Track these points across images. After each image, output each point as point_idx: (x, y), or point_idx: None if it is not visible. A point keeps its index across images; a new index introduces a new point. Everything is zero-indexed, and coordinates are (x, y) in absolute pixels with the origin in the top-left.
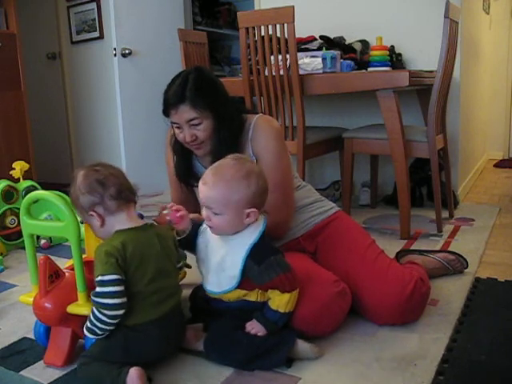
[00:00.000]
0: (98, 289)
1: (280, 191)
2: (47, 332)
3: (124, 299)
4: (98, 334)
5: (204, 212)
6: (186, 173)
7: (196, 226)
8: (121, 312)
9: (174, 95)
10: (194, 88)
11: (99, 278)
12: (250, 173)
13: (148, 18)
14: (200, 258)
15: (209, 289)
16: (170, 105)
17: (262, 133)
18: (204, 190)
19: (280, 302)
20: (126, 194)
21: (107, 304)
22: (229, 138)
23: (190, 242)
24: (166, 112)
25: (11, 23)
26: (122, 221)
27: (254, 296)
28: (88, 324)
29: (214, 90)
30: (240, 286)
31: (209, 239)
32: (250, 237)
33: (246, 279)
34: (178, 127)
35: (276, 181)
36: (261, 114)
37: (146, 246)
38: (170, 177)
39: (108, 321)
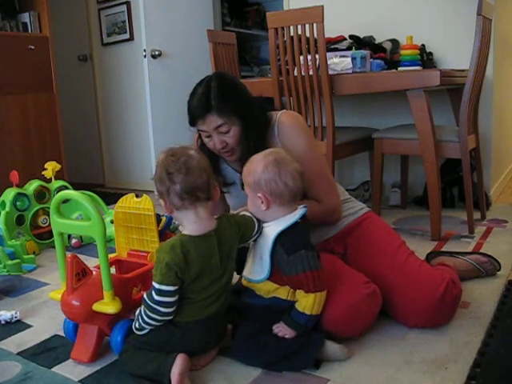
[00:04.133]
0: (154, 296)
1: (322, 179)
2: (76, 328)
3: (175, 308)
4: (145, 329)
5: None
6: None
7: None
8: (170, 318)
9: (199, 105)
10: (218, 96)
11: (157, 286)
12: (261, 160)
13: (177, 19)
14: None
15: (246, 276)
16: (196, 115)
17: (287, 128)
18: None
19: (306, 303)
20: (192, 194)
21: (159, 311)
22: (257, 139)
23: None
24: (193, 122)
25: (44, 26)
26: (189, 219)
27: (284, 293)
28: (136, 325)
29: (237, 94)
30: (271, 277)
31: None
32: (282, 224)
33: (276, 271)
34: (207, 136)
35: (315, 171)
36: (284, 110)
37: (206, 258)
38: None
39: (155, 323)
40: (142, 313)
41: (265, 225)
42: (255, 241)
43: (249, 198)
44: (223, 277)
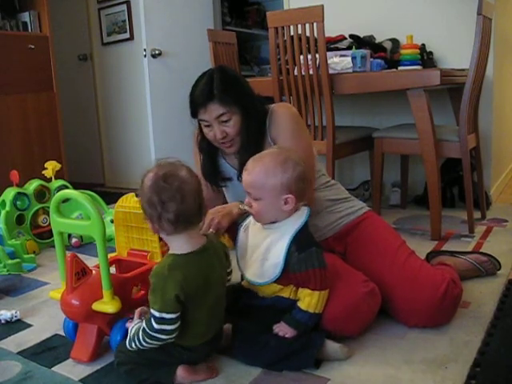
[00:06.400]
0: (155, 324)
1: None
2: (76, 328)
3: (177, 333)
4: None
5: (246, 198)
6: (212, 171)
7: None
8: (170, 341)
9: (202, 95)
10: (220, 85)
11: (158, 314)
12: (286, 159)
13: (177, 18)
14: (240, 254)
15: (251, 279)
16: (198, 104)
17: (277, 117)
18: (244, 176)
19: (310, 302)
20: (185, 221)
21: (161, 339)
22: (256, 130)
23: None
24: (195, 112)
25: (44, 26)
26: (179, 241)
27: (287, 292)
28: (133, 345)
29: (239, 85)
30: (278, 279)
31: (252, 234)
32: (294, 225)
33: (285, 270)
34: (208, 125)
35: None
36: (278, 103)
37: (208, 272)
38: (199, 175)
39: (154, 347)
40: (140, 339)
41: (272, 226)
42: (253, 246)
43: (263, 202)
44: (224, 291)
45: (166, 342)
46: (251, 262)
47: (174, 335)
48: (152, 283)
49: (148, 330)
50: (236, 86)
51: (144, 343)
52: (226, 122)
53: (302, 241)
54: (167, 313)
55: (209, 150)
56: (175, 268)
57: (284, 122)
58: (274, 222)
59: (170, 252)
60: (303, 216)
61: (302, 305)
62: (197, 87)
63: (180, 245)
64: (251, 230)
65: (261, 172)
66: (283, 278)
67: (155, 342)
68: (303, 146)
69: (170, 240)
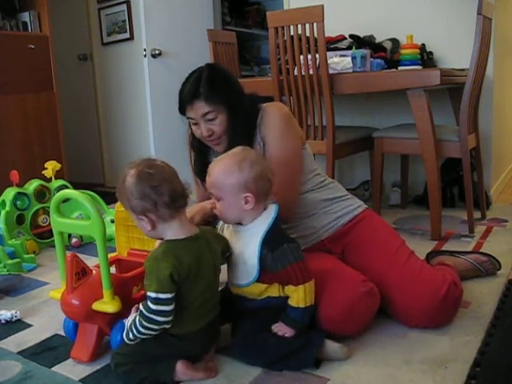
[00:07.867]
0: (151, 305)
1: (284, 171)
2: (76, 327)
3: (172, 316)
4: (136, 340)
5: (211, 200)
6: (204, 169)
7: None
8: (166, 326)
9: (189, 93)
10: (207, 84)
11: (154, 295)
12: (243, 159)
13: (178, 18)
14: None
15: (235, 282)
16: (185, 102)
17: (268, 116)
18: (207, 177)
19: (298, 297)
20: (179, 201)
21: (157, 321)
22: (244, 129)
23: None
24: (182, 109)
25: (44, 26)
26: (174, 228)
27: (275, 291)
28: (130, 336)
29: (227, 84)
30: (259, 278)
31: (228, 238)
32: (262, 225)
33: (264, 270)
34: (195, 123)
35: (278, 160)
36: (271, 102)
37: (199, 259)
38: (194, 174)
39: (152, 333)
40: (138, 324)
41: (242, 228)
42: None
43: (225, 202)
44: (216, 279)
45: (162, 327)
46: (234, 265)
47: (169, 318)
48: (147, 267)
49: (145, 312)
50: (224, 85)
51: (141, 329)
52: (212, 120)
53: (272, 240)
54: (163, 293)
55: (200, 148)
56: (168, 251)
57: (274, 121)
58: (241, 224)
59: (164, 240)
60: (271, 214)
61: (292, 302)
62: (185, 85)
63: (174, 232)
64: (226, 234)
65: (219, 172)
66: (264, 277)
67: (152, 326)
68: (289, 147)
69: (164, 230)
